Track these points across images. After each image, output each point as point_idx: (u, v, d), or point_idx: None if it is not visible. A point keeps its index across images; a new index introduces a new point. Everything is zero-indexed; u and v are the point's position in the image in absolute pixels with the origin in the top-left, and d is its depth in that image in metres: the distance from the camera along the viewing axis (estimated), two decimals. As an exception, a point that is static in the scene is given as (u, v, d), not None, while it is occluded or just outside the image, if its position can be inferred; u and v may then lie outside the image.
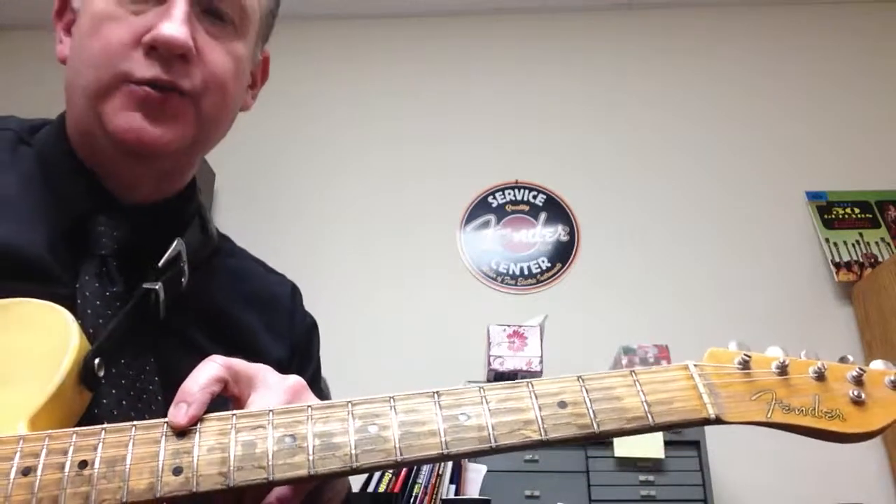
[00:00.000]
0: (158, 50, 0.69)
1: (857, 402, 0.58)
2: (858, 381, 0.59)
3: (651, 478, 2.36)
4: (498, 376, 2.53)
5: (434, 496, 2.32)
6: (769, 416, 0.57)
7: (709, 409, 0.57)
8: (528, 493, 2.36)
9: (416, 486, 2.31)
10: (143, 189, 0.76)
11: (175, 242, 0.75)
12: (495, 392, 0.57)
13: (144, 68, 0.69)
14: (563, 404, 0.56)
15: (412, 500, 2.31)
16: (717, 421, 0.57)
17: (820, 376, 0.60)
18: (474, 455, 0.54)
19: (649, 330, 2.86)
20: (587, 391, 0.58)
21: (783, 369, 0.60)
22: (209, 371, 0.57)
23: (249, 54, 0.80)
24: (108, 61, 0.70)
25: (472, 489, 2.34)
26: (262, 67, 0.87)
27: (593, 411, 0.56)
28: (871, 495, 2.57)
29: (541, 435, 0.55)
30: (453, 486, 2.35)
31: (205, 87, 0.73)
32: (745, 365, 0.60)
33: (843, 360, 0.61)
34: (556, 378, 0.58)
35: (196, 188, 0.85)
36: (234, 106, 0.80)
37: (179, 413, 0.54)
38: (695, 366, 0.60)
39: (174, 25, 0.68)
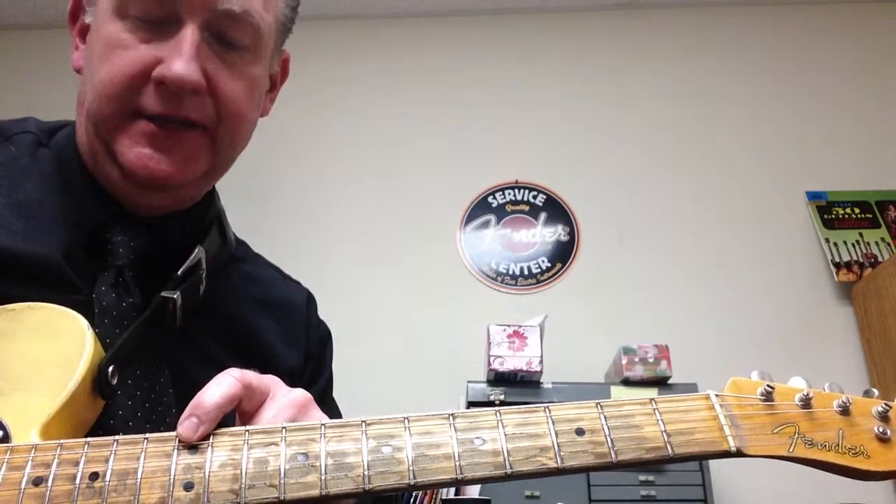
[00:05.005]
0: (168, 86, 0.67)
1: (883, 439, 0.57)
2: (884, 417, 0.58)
3: (651, 478, 2.36)
4: (498, 376, 2.53)
5: (434, 496, 2.31)
6: (791, 450, 0.56)
7: (730, 441, 0.56)
8: (528, 493, 2.35)
9: (417, 486, 2.30)
10: (157, 206, 0.75)
11: (196, 251, 0.74)
12: (511, 416, 0.56)
13: (155, 103, 0.68)
14: (580, 431, 0.55)
15: (412, 500, 2.31)
16: (738, 454, 0.56)
17: (844, 410, 0.58)
18: (489, 481, 0.53)
19: (649, 330, 2.85)
20: (605, 418, 0.56)
21: (807, 402, 0.58)
22: (225, 387, 0.56)
23: (266, 68, 0.79)
24: (118, 94, 0.68)
25: (472, 489, 2.34)
26: (282, 68, 0.86)
27: (611, 440, 0.55)
28: (871, 495, 2.57)
29: (557, 463, 0.54)
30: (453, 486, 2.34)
31: (219, 119, 0.71)
32: (768, 396, 0.59)
33: (867, 393, 0.59)
34: (574, 403, 0.57)
35: (215, 194, 0.84)
36: (251, 126, 0.79)
37: (190, 428, 0.54)
38: (716, 396, 0.59)
39: (183, 63, 0.67)
